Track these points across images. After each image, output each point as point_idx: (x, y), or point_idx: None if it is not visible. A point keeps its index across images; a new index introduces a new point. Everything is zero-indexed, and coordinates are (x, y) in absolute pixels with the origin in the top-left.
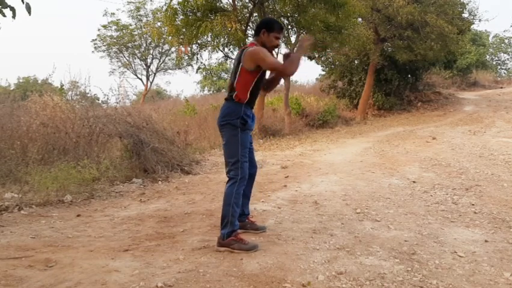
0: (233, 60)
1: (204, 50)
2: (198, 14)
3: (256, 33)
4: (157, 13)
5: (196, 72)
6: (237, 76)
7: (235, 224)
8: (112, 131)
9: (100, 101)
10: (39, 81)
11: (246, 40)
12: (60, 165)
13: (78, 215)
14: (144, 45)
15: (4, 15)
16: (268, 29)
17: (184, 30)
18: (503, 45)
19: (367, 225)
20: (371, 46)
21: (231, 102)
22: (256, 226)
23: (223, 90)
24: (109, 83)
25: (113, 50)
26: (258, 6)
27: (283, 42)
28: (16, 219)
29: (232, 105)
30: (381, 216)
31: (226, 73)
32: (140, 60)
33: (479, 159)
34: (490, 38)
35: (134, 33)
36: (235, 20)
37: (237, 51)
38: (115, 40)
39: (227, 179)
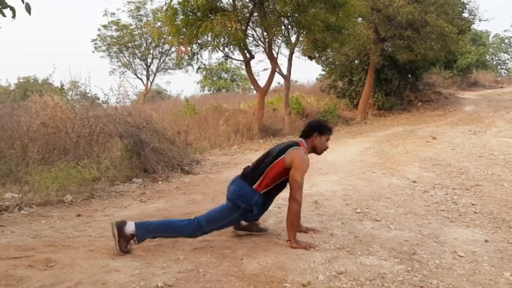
0: (272, 151)
1: (204, 50)
2: (198, 13)
3: (307, 135)
4: (157, 13)
5: (196, 72)
6: (273, 163)
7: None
8: (112, 131)
9: (100, 101)
10: (40, 81)
11: (246, 40)
12: (60, 165)
13: (78, 215)
14: (144, 45)
15: (4, 15)
16: (321, 132)
17: (184, 30)
18: (503, 45)
19: (367, 225)
20: (371, 46)
21: (248, 187)
22: (260, 228)
23: (223, 89)
24: (109, 83)
25: (114, 50)
26: (258, 6)
27: (283, 42)
28: (16, 219)
29: (249, 189)
30: (382, 216)
31: (226, 73)
32: (141, 60)
33: (480, 159)
34: (490, 38)
35: (135, 33)
36: (235, 19)
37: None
38: (115, 40)
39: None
